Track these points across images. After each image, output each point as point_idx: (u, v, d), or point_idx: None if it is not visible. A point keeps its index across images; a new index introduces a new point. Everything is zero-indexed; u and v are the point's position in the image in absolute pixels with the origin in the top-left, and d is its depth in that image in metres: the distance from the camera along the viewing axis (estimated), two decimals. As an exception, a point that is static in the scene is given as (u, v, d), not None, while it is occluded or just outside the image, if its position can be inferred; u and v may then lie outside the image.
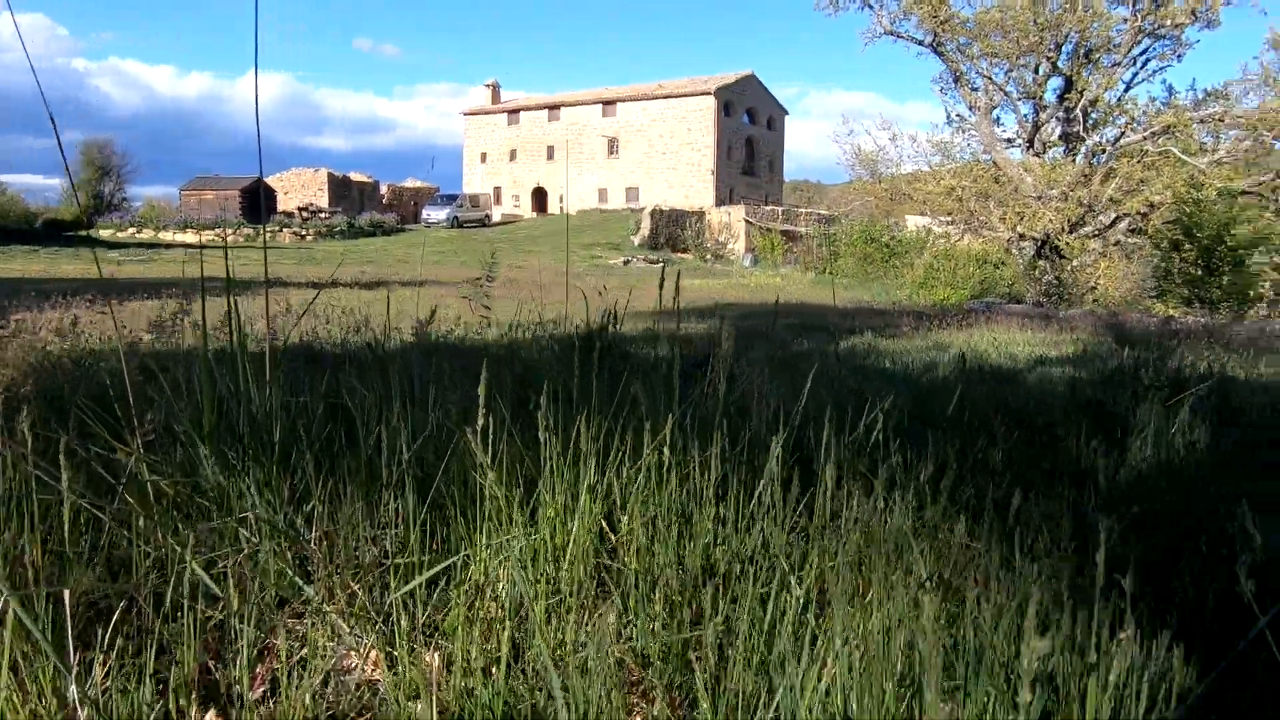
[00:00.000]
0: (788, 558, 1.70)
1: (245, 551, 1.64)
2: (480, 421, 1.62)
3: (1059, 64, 23.17)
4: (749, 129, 68.38)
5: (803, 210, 58.97)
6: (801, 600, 1.54)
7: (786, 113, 74.46)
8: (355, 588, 1.62)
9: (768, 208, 56.16)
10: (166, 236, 43.51)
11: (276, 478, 1.77)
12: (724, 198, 62.14)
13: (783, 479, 1.86)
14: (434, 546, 1.80)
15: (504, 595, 1.57)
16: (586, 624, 1.58)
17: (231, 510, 1.71)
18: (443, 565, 1.52)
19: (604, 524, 1.89)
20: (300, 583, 1.61)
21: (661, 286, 3.10)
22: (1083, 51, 23.16)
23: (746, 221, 51.24)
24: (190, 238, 42.94)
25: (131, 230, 44.78)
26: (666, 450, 1.89)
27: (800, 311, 14.42)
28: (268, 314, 2.92)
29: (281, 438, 1.89)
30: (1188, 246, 17.92)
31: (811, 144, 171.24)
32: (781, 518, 1.82)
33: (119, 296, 11.91)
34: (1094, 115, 23.17)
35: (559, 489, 1.76)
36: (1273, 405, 4.79)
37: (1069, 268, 23.02)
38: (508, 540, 1.69)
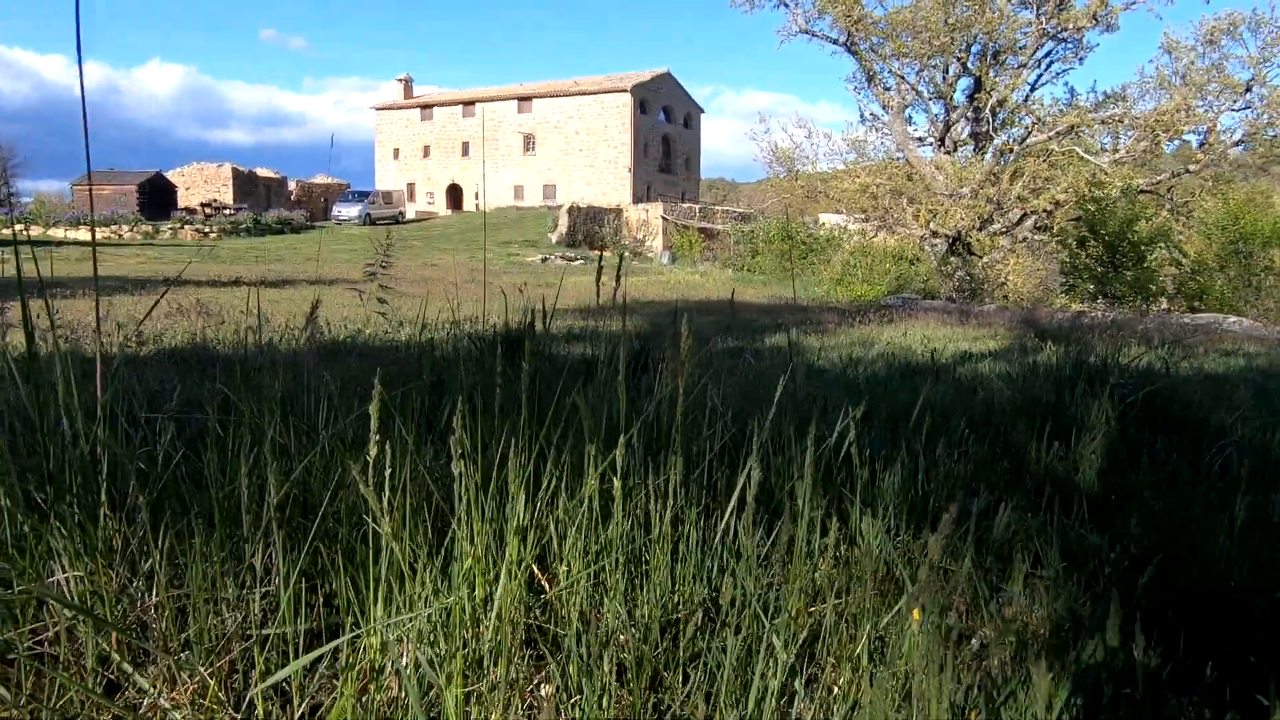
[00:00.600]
0: (764, 607, 1.40)
1: (54, 630, 1.24)
2: (372, 451, 1.26)
3: (969, 65, 23.64)
4: (665, 127, 68.47)
5: (719, 208, 59.30)
6: (788, 665, 1.24)
7: (703, 111, 74.85)
8: (205, 673, 1.24)
9: (685, 205, 56.28)
10: (57, 234, 41.07)
11: (105, 527, 1.37)
12: (641, 195, 62.08)
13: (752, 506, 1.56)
14: (316, 608, 1.43)
15: (408, 676, 1.20)
16: (517, 705, 1.24)
17: (37, 573, 1.30)
18: (322, 651, 1.14)
19: (536, 571, 1.55)
20: (129, 668, 1.22)
21: (600, 280, 2.77)
22: (990, 53, 23.69)
23: (664, 219, 51.23)
24: (84, 234, 40.62)
25: (19, 227, 42.12)
26: (616, 477, 1.56)
27: (722, 309, 14.25)
28: (98, 314, 2.46)
29: (113, 471, 1.49)
30: (1093, 243, 18.45)
31: (726, 142, 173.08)
32: (752, 556, 1.52)
33: (-8, 297, 10.96)
34: (1001, 115, 23.71)
35: (479, 531, 1.40)
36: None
37: (979, 264, 23.53)
38: (412, 602, 1.33)
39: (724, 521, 1.67)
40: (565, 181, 63.69)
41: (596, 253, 44.67)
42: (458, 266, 28.36)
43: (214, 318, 6.69)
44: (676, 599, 1.53)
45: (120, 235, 40.80)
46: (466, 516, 1.37)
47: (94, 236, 1.93)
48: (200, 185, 54.22)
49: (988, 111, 22.82)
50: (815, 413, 2.29)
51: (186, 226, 42.49)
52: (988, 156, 23.46)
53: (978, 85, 23.56)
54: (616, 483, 1.56)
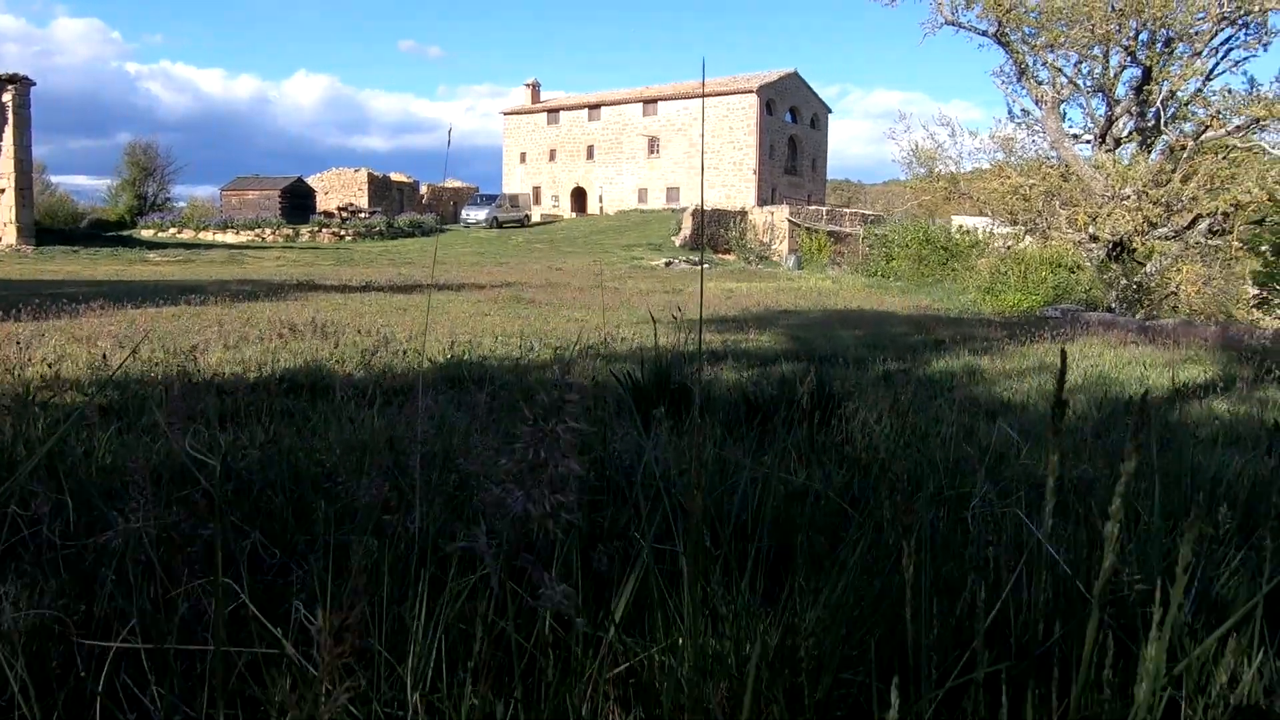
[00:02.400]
0: None
1: None
2: None
3: (1136, 54, 21.67)
4: (792, 127, 67.00)
5: (847, 210, 57.50)
6: None
7: (830, 111, 72.96)
8: None
9: (811, 208, 54.79)
10: (207, 236, 43.28)
11: None
12: (766, 197, 60.88)
13: None
14: None
15: None
16: None
17: None
18: None
19: None
20: None
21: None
22: (1161, 40, 21.66)
23: (790, 222, 49.94)
24: (230, 238, 42.65)
25: (173, 230, 44.60)
26: None
27: (863, 320, 13.28)
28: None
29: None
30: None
31: (851, 143, 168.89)
32: None
33: (132, 301, 11.11)
34: (1172, 108, 21.66)
35: None
36: None
37: (1143, 271, 21.57)
38: None
39: None
40: (689, 184, 63.09)
41: (721, 256, 43.94)
42: (582, 271, 28.12)
43: (329, 338, 6.28)
44: None
45: (263, 238, 42.59)
46: None
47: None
48: (338, 189, 56.26)
49: (1158, 105, 20.85)
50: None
51: (324, 229, 44.03)
52: (1154, 154, 21.46)
53: (1146, 76, 21.58)
54: None
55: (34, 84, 30.36)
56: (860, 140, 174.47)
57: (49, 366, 4.95)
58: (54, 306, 9.64)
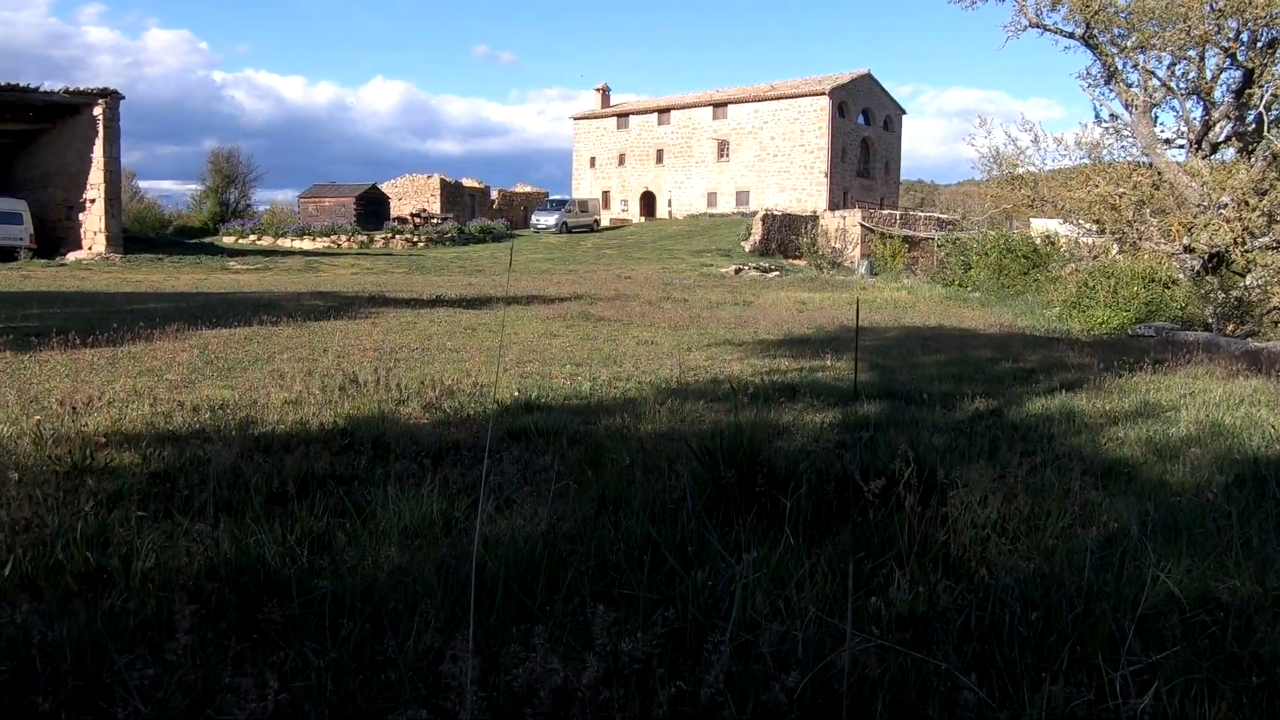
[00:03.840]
0: None
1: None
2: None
3: (1237, 55, 20.52)
4: (864, 129, 65.81)
5: (920, 214, 56.20)
6: None
7: (904, 112, 71.50)
8: None
9: (884, 212, 53.71)
10: (285, 243, 44.30)
11: None
12: (837, 201, 59.91)
13: None
14: None
15: None
16: None
17: None
18: None
19: None
20: None
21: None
22: (1264, 40, 20.47)
23: (863, 226, 48.97)
24: (307, 244, 43.59)
25: (253, 237, 45.80)
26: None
27: (944, 341, 12.73)
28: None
29: None
30: None
31: (924, 143, 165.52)
32: None
33: (207, 320, 11.23)
34: (1276, 112, 20.43)
35: None
36: None
37: (1242, 285, 20.41)
38: None
39: None
40: (759, 188, 62.46)
41: (792, 263, 43.25)
42: (651, 280, 27.88)
43: (390, 391, 6.10)
44: None
45: (339, 244, 43.41)
46: None
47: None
48: (411, 195, 57.12)
49: (1260, 108, 19.68)
50: None
51: (397, 235, 44.70)
52: (1256, 160, 20.28)
53: (1247, 79, 20.40)
54: None
55: (123, 98, 31.40)
56: (934, 140, 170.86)
57: (111, 417, 4.87)
58: (132, 329, 9.77)
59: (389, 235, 44.76)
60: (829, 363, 9.55)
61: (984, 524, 3.20)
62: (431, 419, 5.46)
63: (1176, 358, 10.26)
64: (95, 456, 3.88)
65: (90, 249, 31.31)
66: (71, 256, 30.28)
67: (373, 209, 49.24)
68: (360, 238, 44.22)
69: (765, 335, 12.89)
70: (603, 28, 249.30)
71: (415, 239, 44.54)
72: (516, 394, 6.38)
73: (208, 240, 44.59)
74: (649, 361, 9.27)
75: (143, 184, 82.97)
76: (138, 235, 39.54)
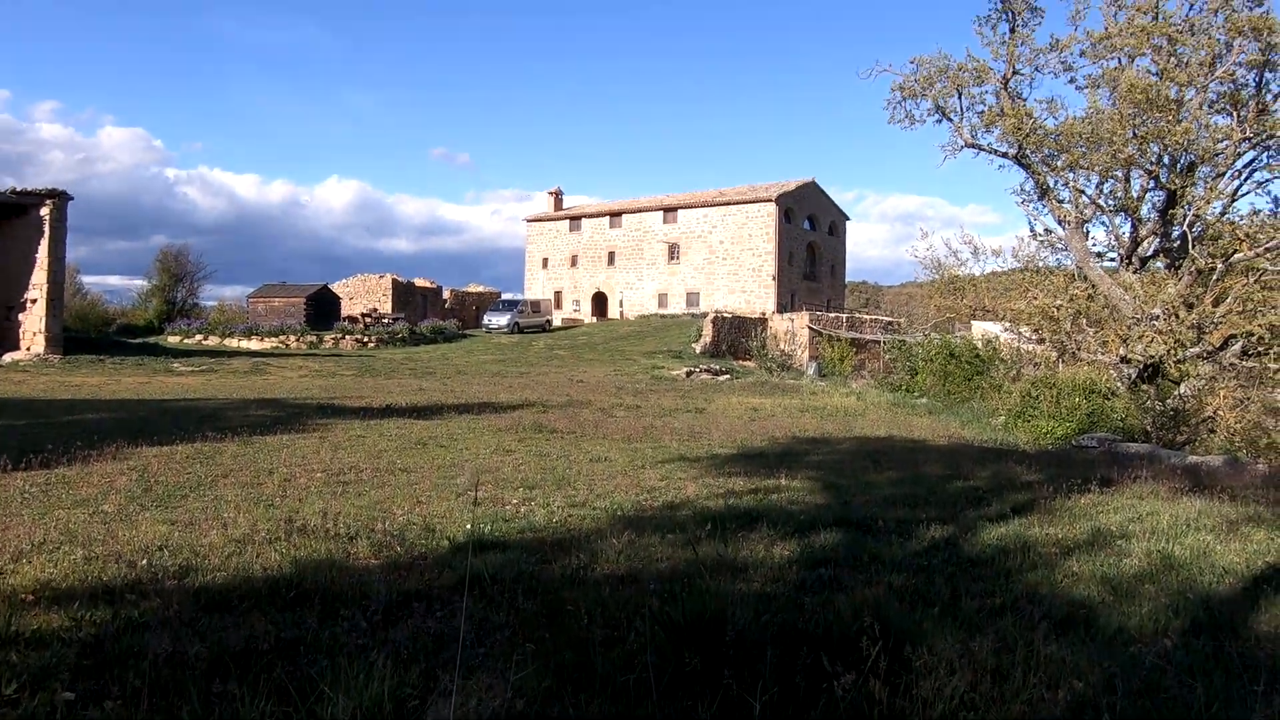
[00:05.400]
0: None
1: None
2: None
3: (1160, 176, 21.72)
4: (810, 234, 67.84)
5: (867, 317, 57.54)
6: None
7: (848, 218, 73.97)
8: None
9: (831, 314, 54.92)
10: (232, 343, 43.68)
11: None
12: (785, 303, 61.19)
13: None
14: None
15: None
16: None
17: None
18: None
19: None
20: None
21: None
22: (1183, 164, 21.73)
23: (811, 329, 49.94)
24: (255, 344, 43.03)
25: (199, 337, 45.08)
26: None
27: (896, 455, 12.84)
28: None
29: None
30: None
31: (869, 246, 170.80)
32: None
33: (148, 437, 10.89)
34: (1198, 229, 21.53)
35: None
36: None
37: (1177, 394, 21.09)
38: None
39: None
40: (709, 289, 63.64)
41: (742, 364, 43.78)
42: (603, 383, 27.92)
43: (339, 529, 5.91)
44: None
45: (287, 345, 42.92)
46: None
47: None
48: (363, 295, 57.01)
49: (1185, 226, 20.73)
50: None
51: (347, 336, 44.35)
52: (1184, 275, 21.25)
53: (1170, 199, 21.56)
54: None
55: (71, 198, 31.17)
56: (877, 243, 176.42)
57: (40, 568, 4.63)
58: (67, 448, 9.42)
59: (339, 335, 44.41)
60: (784, 482, 9.54)
61: (952, 696, 3.14)
62: (382, 561, 5.28)
63: (1122, 475, 10.45)
64: (22, 622, 3.66)
65: (29, 349, 30.50)
66: (8, 358, 29.44)
67: (323, 309, 48.94)
68: (309, 338, 43.81)
69: (719, 449, 12.88)
70: (558, 133, 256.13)
71: (365, 339, 44.25)
72: (469, 528, 6.24)
73: (152, 340, 43.75)
74: (603, 482, 9.17)
75: (87, 279, 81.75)
76: (79, 334, 38.67)
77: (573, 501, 7.86)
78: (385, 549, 5.56)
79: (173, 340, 44.24)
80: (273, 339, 43.54)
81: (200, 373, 28.55)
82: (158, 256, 65.82)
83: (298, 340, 43.53)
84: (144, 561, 4.96)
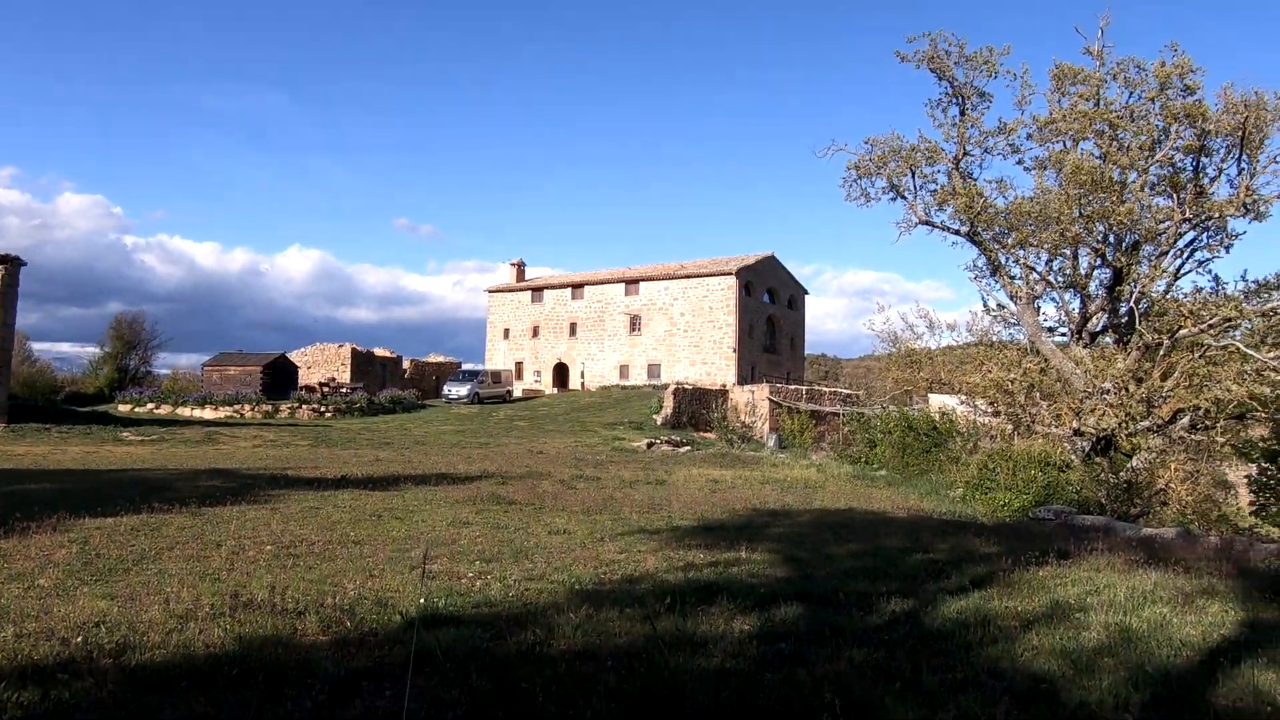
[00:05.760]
0: None
1: None
2: None
3: (1106, 255, 22.45)
4: (770, 308, 68.79)
5: (826, 389, 58.13)
6: None
7: (806, 292, 75.20)
8: None
9: (791, 386, 55.37)
10: (185, 412, 42.81)
11: None
12: (746, 375, 61.65)
13: None
14: None
15: None
16: None
17: None
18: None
19: None
20: None
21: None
22: (1128, 243, 22.50)
23: (771, 401, 50.27)
24: (208, 413, 42.23)
25: (151, 405, 44.12)
26: None
27: (856, 528, 12.82)
28: None
29: None
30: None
31: (827, 319, 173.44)
32: None
33: (90, 509, 10.53)
34: (1144, 305, 22.20)
35: None
36: None
37: (1129, 467, 21.44)
38: None
39: None
40: (670, 361, 63.99)
41: (703, 435, 43.77)
42: (563, 454, 27.70)
43: (286, 603, 5.73)
44: None
45: (242, 414, 42.18)
46: None
47: None
48: (321, 364, 56.45)
49: (1132, 303, 21.37)
50: None
51: (304, 405, 43.69)
52: (1132, 350, 21.81)
53: (1117, 276, 22.26)
54: None
55: (24, 264, 30.70)
56: (835, 317, 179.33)
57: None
58: (4, 522, 9.07)
59: (295, 405, 43.75)
60: (744, 554, 9.46)
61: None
62: (331, 637, 5.11)
63: (1079, 547, 10.52)
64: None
65: (-30, 418, 29.58)
66: (-52, 426, 28.51)
67: (280, 378, 48.27)
68: (265, 407, 43.10)
69: (679, 521, 12.77)
70: (521, 204, 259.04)
71: (322, 409, 43.62)
72: (422, 602, 6.07)
73: (102, 408, 42.70)
74: (562, 555, 9.02)
75: (38, 346, 79.95)
76: (26, 402, 37.63)
77: (530, 575, 7.72)
78: (335, 625, 5.38)
79: (123, 409, 43.26)
80: (227, 408, 42.77)
81: (150, 442, 27.85)
82: (111, 323, 64.93)
83: (253, 409, 42.81)
84: (79, 639, 4.74)
